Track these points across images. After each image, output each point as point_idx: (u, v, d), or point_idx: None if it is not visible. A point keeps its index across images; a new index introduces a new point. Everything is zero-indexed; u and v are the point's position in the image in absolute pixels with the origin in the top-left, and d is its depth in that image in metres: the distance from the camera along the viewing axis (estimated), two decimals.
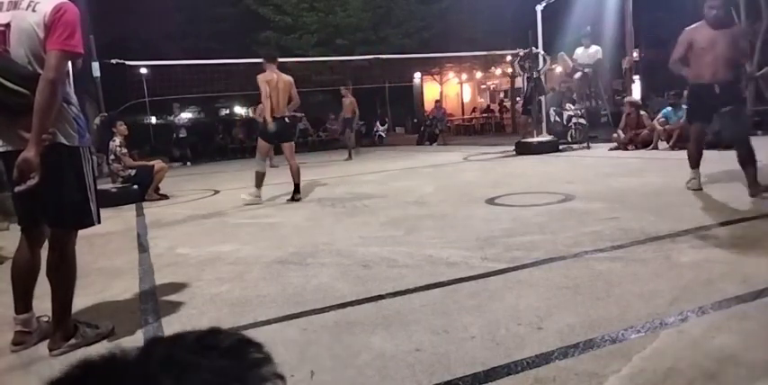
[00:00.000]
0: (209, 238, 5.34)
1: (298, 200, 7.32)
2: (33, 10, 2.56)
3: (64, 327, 2.79)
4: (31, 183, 2.47)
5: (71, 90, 2.83)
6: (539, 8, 11.81)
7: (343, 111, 14.59)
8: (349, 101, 14.56)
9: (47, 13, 2.55)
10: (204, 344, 0.57)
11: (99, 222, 2.92)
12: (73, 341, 2.80)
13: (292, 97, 7.35)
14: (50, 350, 2.77)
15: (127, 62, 9.33)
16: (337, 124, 14.79)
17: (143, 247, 5.14)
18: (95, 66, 8.87)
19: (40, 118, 2.49)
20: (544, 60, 12.02)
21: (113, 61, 8.80)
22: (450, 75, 28.25)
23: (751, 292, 2.78)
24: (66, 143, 2.69)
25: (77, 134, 2.74)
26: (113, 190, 8.35)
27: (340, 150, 15.11)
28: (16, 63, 2.55)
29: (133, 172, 8.46)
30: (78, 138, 2.75)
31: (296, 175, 7.44)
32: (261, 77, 7.14)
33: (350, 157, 14.41)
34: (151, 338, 0.59)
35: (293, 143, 7.70)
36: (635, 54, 13.96)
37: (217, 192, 9.26)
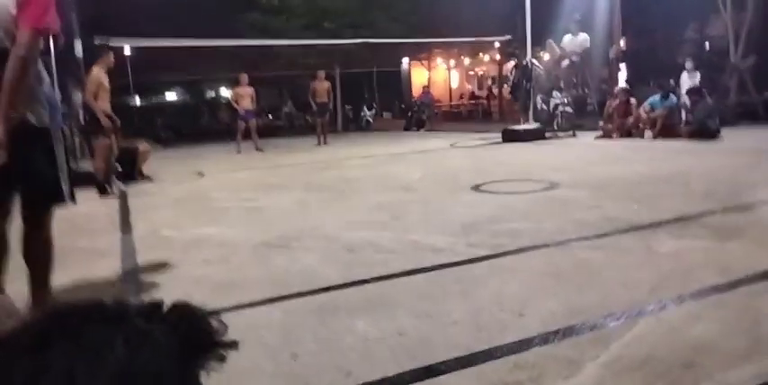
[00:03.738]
0: (194, 221, 5.33)
1: None
2: None
3: (43, 308, 2.76)
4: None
5: (43, 70, 2.77)
6: None
7: (318, 96, 14.45)
8: (327, 85, 14.48)
9: None
10: (162, 316, 0.60)
11: (73, 202, 2.87)
12: None
13: None
14: None
15: (110, 43, 9.20)
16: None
17: (126, 229, 5.11)
18: (78, 44, 8.74)
19: (8, 94, 2.45)
20: (532, 67, 12.03)
21: (96, 41, 8.65)
22: (439, 60, 28.17)
23: (729, 282, 2.83)
24: (36, 124, 2.64)
25: (48, 115, 2.71)
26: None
27: (330, 134, 15.02)
28: None
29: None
30: (49, 120, 2.71)
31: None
32: None
33: (319, 143, 14.35)
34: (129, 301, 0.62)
35: None
36: (622, 43, 13.97)
37: (202, 174, 9.21)
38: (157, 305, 0.62)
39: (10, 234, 2.86)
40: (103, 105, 7.46)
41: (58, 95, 8.11)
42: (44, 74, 2.77)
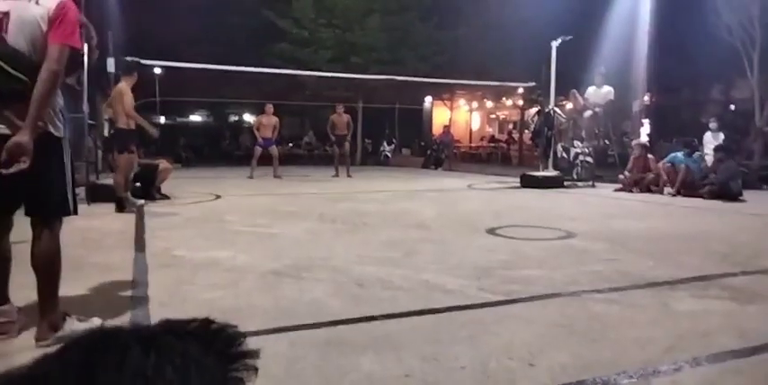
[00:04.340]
0: (207, 243, 5.31)
1: None
2: (37, 3, 2.66)
3: (51, 318, 2.77)
4: (22, 166, 2.51)
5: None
6: (554, 44, 11.91)
7: (338, 129, 14.52)
8: (346, 118, 14.60)
9: (51, 8, 2.65)
10: (191, 331, 0.61)
11: (76, 213, 2.93)
12: (61, 333, 2.76)
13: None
14: (37, 340, 2.73)
15: (142, 61, 9.36)
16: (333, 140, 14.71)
17: (140, 246, 5.11)
18: (110, 61, 8.92)
19: (40, 105, 2.57)
20: (555, 115, 12.09)
21: (128, 58, 8.82)
22: (461, 102, 28.41)
23: (747, 348, 2.74)
24: (54, 133, 2.75)
25: (62, 125, 2.82)
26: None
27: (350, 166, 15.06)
28: (19, 51, 2.62)
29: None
30: (63, 130, 2.82)
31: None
32: None
33: (337, 174, 14.38)
34: (161, 320, 0.63)
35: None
36: (646, 98, 14.01)
37: (219, 197, 9.25)
38: (190, 323, 0.62)
39: (9, 245, 2.89)
40: (126, 120, 7.55)
41: (86, 109, 8.30)
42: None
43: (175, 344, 0.57)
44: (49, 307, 2.77)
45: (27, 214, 2.82)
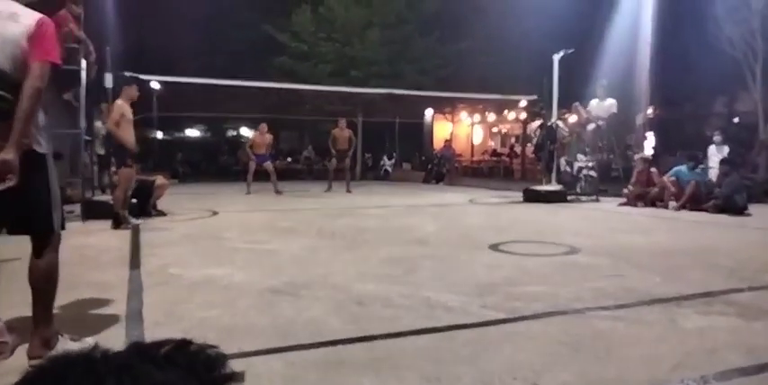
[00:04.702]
0: (204, 260, 5.24)
1: None
2: (15, 21, 2.66)
3: (45, 335, 2.75)
4: (9, 184, 2.52)
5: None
6: (556, 57, 11.90)
7: (339, 143, 14.46)
8: (348, 133, 14.56)
9: (31, 26, 2.66)
10: (169, 356, 0.56)
11: (63, 228, 2.91)
12: (53, 352, 2.70)
13: None
14: (30, 358, 2.70)
15: (140, 76, 9.34)
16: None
17: (135, 264, 5.03)
18: (108, 77, 8.90)
19: (24, 122, 2.58)
20: (557, 128, 12.07)
21: (126, 74, 8.80)
22: (463, 115, 28.37)
23: (755, 365, 2.67)
24: (38, 150, 2.75)
25: (45, 142, 2.81)
26: (111, 202, 8.25)
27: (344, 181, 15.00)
28: (1, 70, 2.62)
29: None
30: (46, 146, 2.81)
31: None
32: None
33: (330, 189, 14.31)
34: (132, 343, 0.60)
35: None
36: (649, 111, 13.99)
37: (216, 213, 9.18)
38: (164, 346, 0.58)
39: None
40: (125, 135, 7.51)
41: (83, 124, 8.26)
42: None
43: (153, 373, 0.53)
44: (42, 324, 2.77)
45: (10, 233, 2.82)
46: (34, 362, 2.58)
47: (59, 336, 2.82)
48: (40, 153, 2.76)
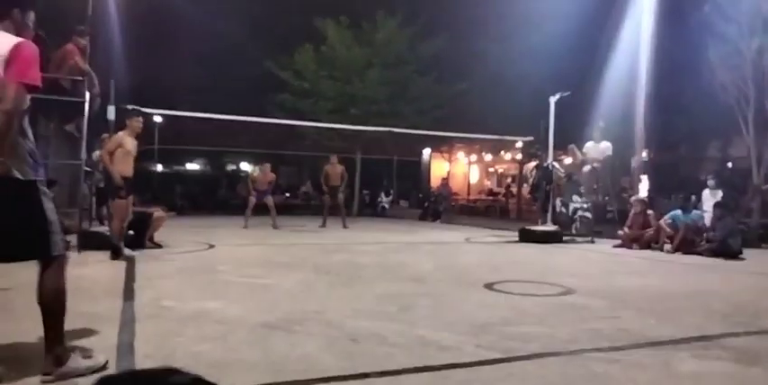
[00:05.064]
0: (198, 293, 5.21)
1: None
2: None
3: (56, 353, 2.83)
4: None
5: (28, 125, 2.90)
6: (552, 100, 12.08)
7: (331, 180, 14.57)
8: (340, 169, 14.67)
9: (6, 50, 2.70)
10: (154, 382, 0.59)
11: (65, 251, 2.96)
12: (64, 369, 2.82)
13: None
14: (43, 375, 2.79)
15: (143, 109, 9.43)
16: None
17: (129, 295, 5.00)
18: (111, 109, 8.98)
19: None
20: (553, 169, 12.18)
21: (129, 107, 8.87)
22: (460, 154, 28.62)
23: None
24: (21, 177, 2.75)
25: (32, 169, 2.82)
26: (108, 233, 8.23)
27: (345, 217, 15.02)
28: None
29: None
30: (33, 173, 2.82)
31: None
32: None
33: (324, 225, 14.35)
34: (106, 376, 0.61)
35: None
36: (644, 154, 14.12)
37: (212, 246, 9.15)
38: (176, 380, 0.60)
39: None
40: (122, 168, 7.52)
41: (84, 156, 8.30)
42: (29, 129, 2.90)
43: None
44: (53, 342, 2.85)
45: (1, 261, 2.86)
46: (46, 378, 2.73)
47: (71, 353, 2.91)
48: (24, 181, 2.76)
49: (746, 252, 9.39)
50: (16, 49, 2.72)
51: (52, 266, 2.87)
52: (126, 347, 3.43)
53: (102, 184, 9.47)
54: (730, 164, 15.77)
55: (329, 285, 5.85)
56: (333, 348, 3.50)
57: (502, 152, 24.99)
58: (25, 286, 2.91)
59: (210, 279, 6.07)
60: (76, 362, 2.90)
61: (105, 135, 8.97)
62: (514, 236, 11.81)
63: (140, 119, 7.87)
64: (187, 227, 12.85)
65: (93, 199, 9.83)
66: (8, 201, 2.67)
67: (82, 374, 2.86)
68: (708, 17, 12.79)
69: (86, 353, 3.03)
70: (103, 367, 3.00)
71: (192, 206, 20.59)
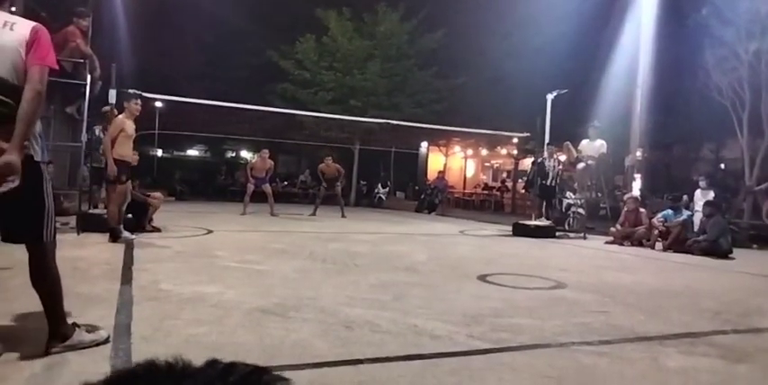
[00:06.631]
0: (195, 277, 5.26)
1: None
2: (11, 29, 2.79)
3: (59, 330, 2.94)
4: (11, 186, 2.62)
5: None
6: (549, 97, 12.11)
7: (328, 175, 14.77)
8: (335, 166, 14.85)
9: (26, 34, 2.79)
10: (222, 375, 0.60)
11: (53, 239, 3.00)
12: (69, 342, 2.94)
13: None
14: (47, 349, 2.89)
15: (144, 94, 9.44)
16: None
17: (126, 278, 5.04)
18: (112, 93, 8.99)
19: (26, 125, 2.67)
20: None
21: (130, 91, 8.88)
22: (457, 148, 28.65)
23: None
24: (35, 157, 2.83)
25: (41, 150, 2.90)
26: (106, 216, 8.26)
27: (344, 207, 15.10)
28: (1, 77, 2.72)
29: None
30: (41, 154, 2.90)
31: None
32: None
33: (314, 214, 14.48)
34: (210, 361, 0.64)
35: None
36: (638, 153, 14.17)
37: (210, 231, 9.20)
38: (251, 371, 0.62)
39: None
40: (123, 151, 7.54)
41: (84, 138, 8.32)
42: None
43: None
44: (54, 320, 2.95)
45: (4, 240, 2.92)
46: (53, 350, 2.85)
47: (75, 328, 3.01)
48: (36, 161, 2.83)
49: (736, 252, 9.49)
50: (37, 34, 2.81)
51: (40, 251, 2.93)
52: (123, 328, 3.48)
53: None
54: (723, 165, 15.83)
55: (325, 273, 5.91)
56: (327, 334, 3.56)
57: (498, 147, 25.02)
58: (24, 265, 2.94)
59: (208, 264, 6.12)
60: (81, 335, 3.01)
61: (107, 107, 8.96)
62: (508, 229, 11.90)
63: (138, 101, 7.86)
64: (186, 212, 12.90)
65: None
66: (21, 181, 2.70)
67: (85, 346, 2.99)
68: (706, 20, 12.83)
69: (89, 328, 3.14)
70: (106, 341, 3.12)
71: (191, 192, 20.62)
